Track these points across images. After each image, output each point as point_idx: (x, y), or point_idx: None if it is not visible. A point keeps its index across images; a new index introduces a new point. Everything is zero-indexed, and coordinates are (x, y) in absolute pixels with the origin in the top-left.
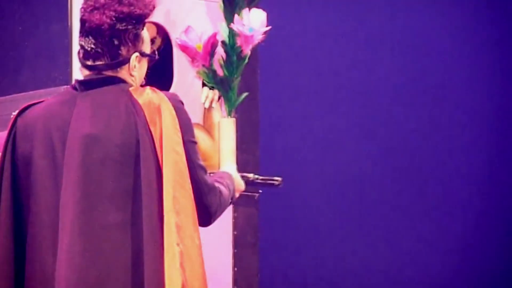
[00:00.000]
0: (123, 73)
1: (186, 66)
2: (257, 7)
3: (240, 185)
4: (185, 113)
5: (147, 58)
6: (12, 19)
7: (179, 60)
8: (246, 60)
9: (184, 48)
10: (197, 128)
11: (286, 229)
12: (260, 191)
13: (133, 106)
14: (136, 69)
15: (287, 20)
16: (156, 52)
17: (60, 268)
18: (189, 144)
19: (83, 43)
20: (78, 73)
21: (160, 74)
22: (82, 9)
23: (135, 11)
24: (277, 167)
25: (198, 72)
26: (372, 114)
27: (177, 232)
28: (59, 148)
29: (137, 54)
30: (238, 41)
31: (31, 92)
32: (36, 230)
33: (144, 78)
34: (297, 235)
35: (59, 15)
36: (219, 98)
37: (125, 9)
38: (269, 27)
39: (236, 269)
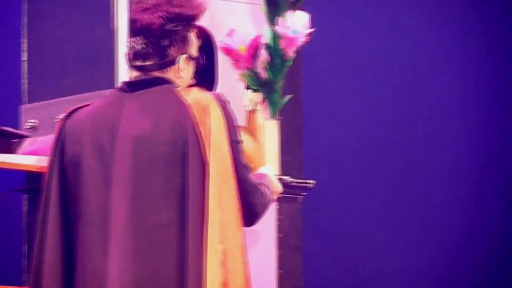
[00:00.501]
0: (171, 74)
1: (229, 68)
2: (300, 9)
3: (277, 187)
4: (231, 113)
5: (194, 61)
6: (56, 23)
7: (223, 63)
8: (290, 62)
9: (228, 51)
10: (241, 131)
11: (331, 232)
12: (305, 193)
13: (182, 105)
14: (184, 71)
15: (330, 22)
16: (204, 57)
17: (113, 268)
18: (235, 143)
19: (132, 44)
20: (122, 76)
21: (202, 77)
22: (133, 9)
23: (185, 12)
24: (320, 169)
25: (241, 75)
26: (418, 114)
27: (220, 231)
28: (108, 149)
29: (185, 55)
30: (282, 44)
31: (75, 96)
32: (86, 231)
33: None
34: (342, 238)
35: (102, 18)
36: (262, 100)
37: (176, 10)
38: (312, 29)
39: (281, 271)
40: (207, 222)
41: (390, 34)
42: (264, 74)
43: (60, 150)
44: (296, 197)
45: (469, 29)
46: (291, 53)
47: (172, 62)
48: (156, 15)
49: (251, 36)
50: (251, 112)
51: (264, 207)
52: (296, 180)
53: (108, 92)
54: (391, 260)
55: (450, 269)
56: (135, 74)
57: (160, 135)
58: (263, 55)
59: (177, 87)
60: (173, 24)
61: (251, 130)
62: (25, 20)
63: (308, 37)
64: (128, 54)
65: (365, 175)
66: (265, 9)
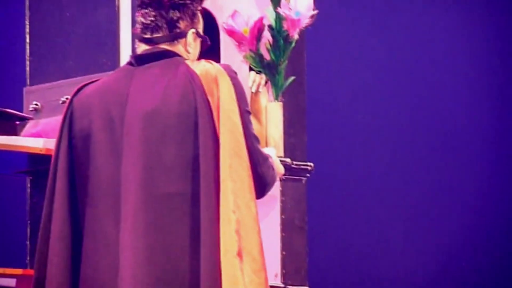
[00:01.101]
0: (179, 47)
1: (233, 50)
2: None
3: (280, 169)
4: (240, 83)
5: (200, 39)
6: (59, 5)
7: (226, 45)
8: (293, 44)
9: (231, 33)
10: None
11: (335, 213)
12: (308, 175)
13: (191, 76)
14: (192, 47)
15: (334, 4)
16: (208, 38)
17: (126, 238)
18: (245, 113)
19: (141, 17)
20: (126, 58)
21: (206, 58)
22: None
23: None
24: (324, 151)
25: (245, 57)
26: (420, 99)
27: (233, 200)
28: (118, 122)
29: (193, 30)
30: (285, 25)
31: (79, 77)
32: (97, 203)
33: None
34: (345, 220)
35: (106, 0)
36: (266, 82)
37: None
38: (315, 11)
39: (284, 252)
40: (220, 192)
41: (395, 17)
42: (267, 56)
43: (68, 126)
44: (301, 179)
45: (479, 25)
46: (294, 35)
47: (181, 35)
48: None
49: (254, 18)
50: (255, 94)
51: (273, 180)
52: (295, 163)
53: (110, 74)
54: (395, 241)
55: (456, 251)
56: (143, 47)
57: (169, 105)
58: (266, 37)
59: (186, 59)
60: None
61: (255, 111)
62: (27, 2)
63: (311, 19)
64: (136, 28)
65: (369, 157)
66: None
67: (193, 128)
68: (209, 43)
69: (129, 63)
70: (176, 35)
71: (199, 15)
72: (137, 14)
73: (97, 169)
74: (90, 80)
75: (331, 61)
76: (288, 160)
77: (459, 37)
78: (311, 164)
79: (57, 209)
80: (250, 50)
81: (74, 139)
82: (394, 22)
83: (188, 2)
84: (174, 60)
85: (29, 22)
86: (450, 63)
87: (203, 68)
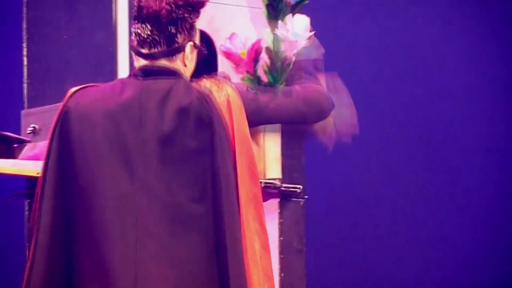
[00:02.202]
0: (178, 63)
1: (230, 72)
2: (301, 12)
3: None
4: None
5: (197, 50)
6: (57, 28)
7: (223, 67)
8: (291, 66)
9: (228, 55)
10: None
11: (333, 235)
12: (306, 197)
13: (204, 98)
14: (188, 59)
15: (331, 25)
16: (205, 47)
17: (146, 257)
18: (251, 102)
19: (138, 31)
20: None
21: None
22: None
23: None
24: (322, 173)
25: (242, 79)
26: (418, 112)
27: (255, 224)
28: (131, 138)
29: (191, 43)
30: (282, 47)
31: None
32: (100, 212)
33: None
34: (344, 241)
35: (103, 23)
36: None
37: None
38: (313, 32)
39: (283, 274)
40: (241, 210)
41: (390, 35)
42: (265, 78)
43: (59, 130)
44: (299, 200)
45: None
46: (292, 56)
47: (179, 49)
48: (164, 2)
49: (251, 39)
50: None
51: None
52: (284, 185)
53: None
54: (394, 262)
55: (453, 273)
56: (142, 62)
57: (187, 129)
58: (264, 59)
59: (189, 79)
60: (181, 11)
61: (252, 133)
62: (25, 25)
63: (309, 40)
64: (132, 41)
65: (368, 176)
66: (265, 13)
67: (211, 151)
68: (205, 52)
69: (134, 75)
70: (175, 50)
71: (196, 26)
72: (133, 26)
73: (98, 179)
74: (86, 85)
75: None
76: (276, 182)
77: (459, 37)
78: (300, 186)
79: (45, 214)
80: (248, 72)
81: (69, 142)
82: (393, 37)
83: (186, 15)
84: (182, 80)
85: (27, 45)
86: (449, 64)
87: (208, 85)
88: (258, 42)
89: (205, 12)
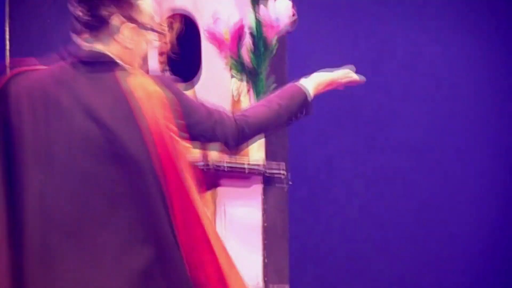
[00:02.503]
0: (115, 46)
1: (215, 57)
2: None
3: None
4: (177, 89)
5: (148, 31)
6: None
7: (208, 51)
8: (274, 50)
9: (212, 36)
10: None
11: (316, 221)
12: (290, 183)
13: (130, 95)
14: (130, 41)
15: (315, 11)
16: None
17: None
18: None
19: (73, 12)
20: None
21: (187, 65)
22: None
23: None
24: (305, 158)
25: (227, 63)
26: (405, 105)
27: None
28: (55, 131)
29: (124, 19)
30: (265, 31)
31: None
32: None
33: (169, 68)
34: (328, 227)
35: None
36: (248, 90)
37: None
38: (295, 17)
39: (266, 260)
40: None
41: (375, 20)
42: (249, 63)
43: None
44: (283, 187)
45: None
46: (272, 40)
47: (101, 22)
48: None
49: (234, 19)
50: (237, 101)
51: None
52: (268, 171)
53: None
54: (380, 246)
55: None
56: (78, 43)
57: (117, 129)
58: (248, 43)
59: (125, 64)
60: None
61: None
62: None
63: (291, 25)
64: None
65: (351, 163)
66: None
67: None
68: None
69: (69, 63)
70: (98, 25)
71: (137, 1)
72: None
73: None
74: (26, 68)
75: (313, 68)
76: (260, 166)
77: (458, 39)
78: (284, 172)
79: None
80: (232, 55)
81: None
82: (379, 29)
83: None
84: (111, 70)
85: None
86: (448, 66)
87: (139, 85)
88: (240, 22)
89: None
